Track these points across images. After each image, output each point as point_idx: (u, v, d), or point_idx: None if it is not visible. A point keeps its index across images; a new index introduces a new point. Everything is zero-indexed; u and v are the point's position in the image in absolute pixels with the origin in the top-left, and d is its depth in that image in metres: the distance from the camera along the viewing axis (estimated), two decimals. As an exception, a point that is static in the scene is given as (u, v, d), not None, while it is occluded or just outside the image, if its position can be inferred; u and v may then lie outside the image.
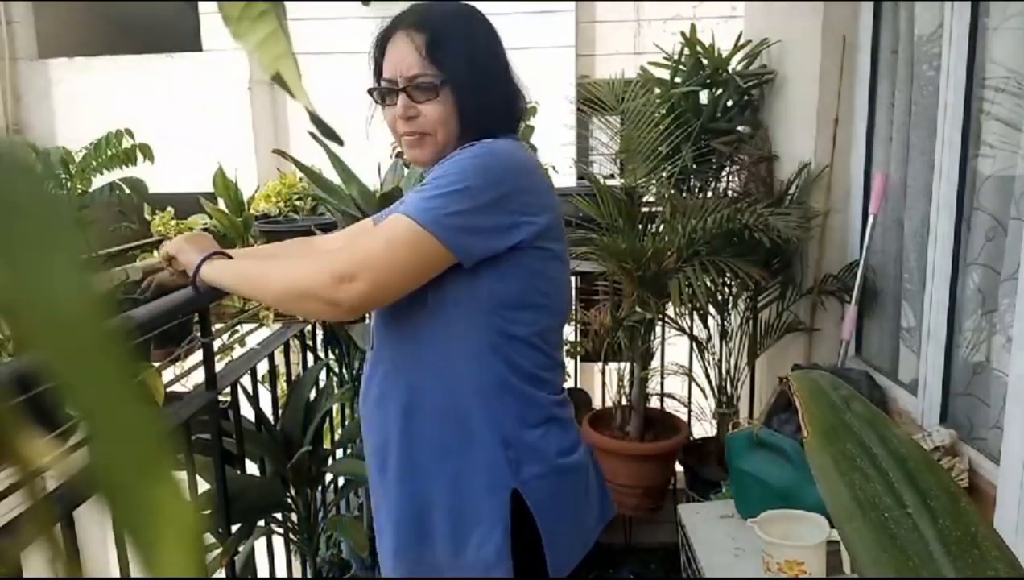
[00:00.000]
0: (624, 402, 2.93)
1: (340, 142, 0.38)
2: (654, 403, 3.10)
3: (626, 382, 2.91)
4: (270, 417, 1.92)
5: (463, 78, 1.18)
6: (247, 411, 1.79)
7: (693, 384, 3.07)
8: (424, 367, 1.20)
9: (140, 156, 2.03)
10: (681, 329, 3.04)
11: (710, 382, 2.97)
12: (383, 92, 1.23)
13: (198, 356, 1.57)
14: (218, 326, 2.03)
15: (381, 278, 1.09)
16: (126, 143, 2.01)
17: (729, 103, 3.17)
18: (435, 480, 1.21)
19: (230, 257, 1.28)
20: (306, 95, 0.33)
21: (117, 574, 1.15)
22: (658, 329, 3.03)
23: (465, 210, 1.10)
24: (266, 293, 1.23)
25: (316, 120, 0.34)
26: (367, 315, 1.50)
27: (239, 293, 1.22)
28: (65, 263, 0.19)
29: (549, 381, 1.24)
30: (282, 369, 2.20)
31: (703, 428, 3.12)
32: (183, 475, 1.46)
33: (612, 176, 2.98)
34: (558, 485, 1.22)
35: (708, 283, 2.66)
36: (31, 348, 0.18)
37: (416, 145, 1.22)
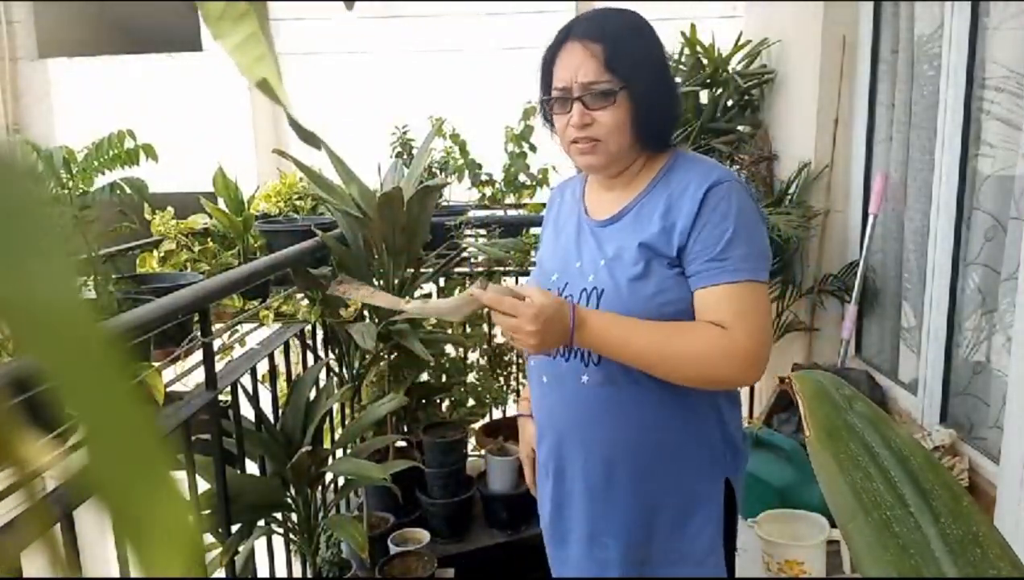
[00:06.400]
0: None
1: (318, 146, 0.37)
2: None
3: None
4: (270, 417, 1.92)
5: (641, 85, 1.21)
6: (247, 411, 1.79)
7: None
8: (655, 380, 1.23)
9: (143, 156, 2.02)
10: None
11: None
12: (554, 101, 1.27)
13: (198, 356, 1.57)
14: (218, 326, 2.03)
15: (769, 341, 1.21)
16: (128, 143, 2.00)
17: (729, 103, 3.16)
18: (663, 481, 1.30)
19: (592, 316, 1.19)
20: (287, 98, 0.33)
21: (117, 574, 1.15)
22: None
23: (765, 245, 1.22)
24: (661, 370, 1.19)
25: (295, 124, 0.34)
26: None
27: (622, 360, 1.19)
28: (57, 266, 0.19)
29: None
30: (282, 369, 2.19)
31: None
32: (183, 475, 1.46)
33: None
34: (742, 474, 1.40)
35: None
36: (27, 350, 0.18)
37: (589, 152, 1.25)
